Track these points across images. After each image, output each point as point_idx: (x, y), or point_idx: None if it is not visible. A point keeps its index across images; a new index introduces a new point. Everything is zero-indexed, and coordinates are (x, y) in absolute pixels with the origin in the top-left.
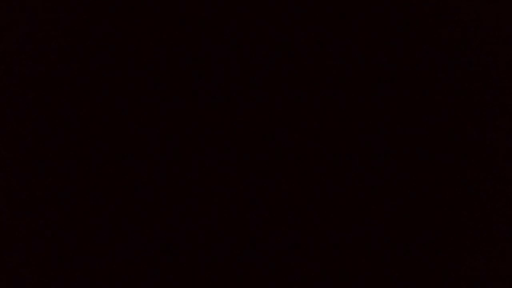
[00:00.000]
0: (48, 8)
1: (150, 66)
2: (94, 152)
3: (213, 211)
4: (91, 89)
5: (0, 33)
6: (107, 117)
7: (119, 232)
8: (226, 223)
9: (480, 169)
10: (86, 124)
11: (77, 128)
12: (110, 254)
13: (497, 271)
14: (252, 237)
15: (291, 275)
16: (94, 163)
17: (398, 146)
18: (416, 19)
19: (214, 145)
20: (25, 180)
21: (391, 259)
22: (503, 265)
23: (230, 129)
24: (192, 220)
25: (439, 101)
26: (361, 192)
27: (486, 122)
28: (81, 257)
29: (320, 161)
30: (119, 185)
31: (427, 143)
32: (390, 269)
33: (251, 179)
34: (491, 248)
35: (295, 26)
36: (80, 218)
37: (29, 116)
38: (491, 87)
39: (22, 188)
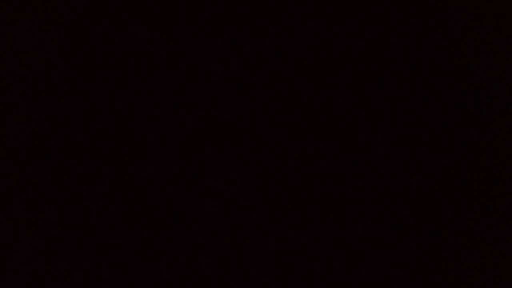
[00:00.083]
0: (48, 8)
1: (150, 66)
2: (94, 152)
3: (212, 211)
4: (91, 89)
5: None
6: (107, 117)
7: (119, 232)
8: (226, 223)
9: (480, 169)
10: (86, 124)
11: (77, 128)
12: (110, 254)
13: (497, 271)
14: (252, 237)
15: (291, 275)
16: (94, 163)
17: (398, 146)
18: (416, 19)
19: (214, 145)
20: (25, 180)
21: (391, 259)
22: (503, 265)
23: (230, 129)
24: (192, 220)
25: (439, 101)
26: (361, 192)
27: (486, 122)
28: (81, 257)
29: (320, 161)
30: (119, 185)
31: (427, 143)
32: (390, 269)
33: (251, 179)
34: (491, 248)
35: (295, 26)
36: (80, 218)
37: (29, 116)
38: (491, 87)
39: (22, 188)
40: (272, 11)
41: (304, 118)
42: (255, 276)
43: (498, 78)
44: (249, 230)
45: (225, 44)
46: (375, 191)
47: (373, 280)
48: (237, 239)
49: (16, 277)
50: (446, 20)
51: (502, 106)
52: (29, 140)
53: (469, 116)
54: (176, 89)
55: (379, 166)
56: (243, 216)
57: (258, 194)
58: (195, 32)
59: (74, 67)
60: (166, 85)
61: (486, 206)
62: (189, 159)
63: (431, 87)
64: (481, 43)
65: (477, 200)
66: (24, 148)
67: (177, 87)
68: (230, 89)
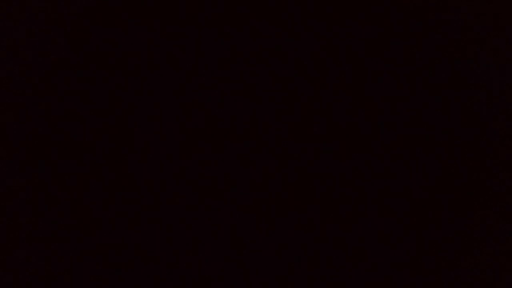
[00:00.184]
0: (48, 8)
1: (150, 66)
2: (93, 152)
3: (212, 211)
4: (90, 89)
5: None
6: (106, 117)
7: (119, 232)
8: (226, 223)
9: (480, 169)
10: (85, 124)
11: (77, 128)
12: (110, 254)
13: (497, 271)
14: (252, 237)
15: (291, 275)
16: (93, 163)
17: (398, 146)
18: (416, 19)
19: (214, 145)
20: (25, 180)
21: (391, 259)
22: (503, 265)
23: (230, 129)
24: (192, 220)
25: (439, 101)
26: (360, 192)
27: (486, 122)
28: (81, 257)
29: (320, 161)
30: (119, 185)
31: (426, 143)
32: (390, 269)
33: (251, 179)
34: (491, 248)
35: (295, 26)
36: (80, 218)
37: (29, 116)
38: (491, 87)
39: (22, 188)
40: (272, 11)
41: (304, 118)
42: (255, 276)
43: (498, 78)
44: (249, 230)
45: (225, 44)
46: (375, 191)
47: (373, 280)
48: (237, 239)
49: (16, 277)
50: (446, 20)
51: (502, 106)
52: (29, 140)
53: (469, 116)
54: (176, 89)
55: (379, 166)
56: (243, 216)
57: (258, 194)
58: (195, 32)
59: (73, 67)
60: (166, 85)
61: (486, 206)
62: (189, 159)
63: (431, 87)
64: (481, 43)
65: (477, 200)
66: (24, 148)
67: (177, 87)
68: (230, 89)
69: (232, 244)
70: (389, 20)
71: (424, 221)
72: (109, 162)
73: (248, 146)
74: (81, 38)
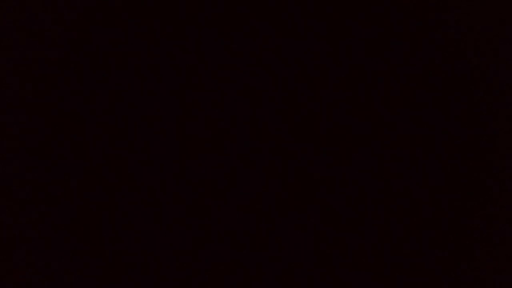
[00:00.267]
0: (48, 8)
1: (150, 66)
2: (94, 152)
3: (212, 211)
4: (90, 89)
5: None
6: (106, 117)
7: (119, 232)
8: (225, 224)
9: (480, 169)
10: (85, 124)
11: (76, 128)
12: (109, 254)
13: (497, 271)
14: (252, 237)
15: (291, 276)
16: (93, 163)
17: (398, 146)
18: (416, 19)
19: (214, 145)
20: (25, 180)
21: (390, 259)
22: (503, 265)
23: (230, 129)
24: (192, 221)
25: (439, 101)
26: (360, 192)
27: (486, 122)
28: (81, 257)
29: (320, 161)
30: (119, 184)
31: (426, 143)
32: (390, 269)
33: (251, 179)
34: (491, 248)
35: (295, 26)
36: (80, 218)
37: (29, 116)
38: (491, 87)
39: (22, 188)
40: (272, 11)
41: (304, 118)
42: (255, 276)
43: (498, 78)
44: (248, 230)
45: (225, 44)
46: (375, 191)
47: (373, 280)
48: (237, 240)
49: (16, 277)
50: (446, 20)
51: (502, 106)
52: (29, 140)
53: (469, 116)
54: (176, 89)
55: (379, 166)
56: (243, 216)
57: (258, 195)
58: (195, 32)
59: (74, 66)
60: (166, 85)
61: (486, 206)
62: (189, 159)
63: (431, 87)
64: (481, 43)
65: (477, 200)
66: (24, 148)
67: (177, 87)
68: (230, 89)
69: (232, 244)
70: (389, 20)
71: (424, 221)
72: (109, 162)
73: (248, 146)
74: (81, 38)
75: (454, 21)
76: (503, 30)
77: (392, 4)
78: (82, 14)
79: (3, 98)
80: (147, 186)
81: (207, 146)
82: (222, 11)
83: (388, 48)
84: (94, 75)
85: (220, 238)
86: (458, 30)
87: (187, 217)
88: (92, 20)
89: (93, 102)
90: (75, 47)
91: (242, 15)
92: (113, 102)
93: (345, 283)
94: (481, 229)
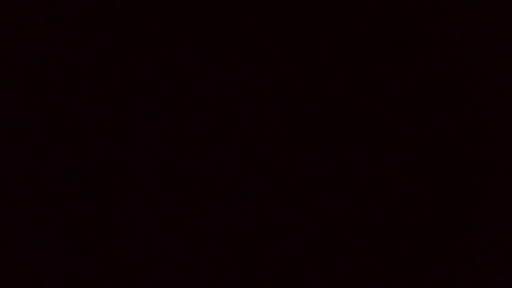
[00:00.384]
0: (48, 8)
1: (150, 66)
2: (93, 152)
3: (212, 211)
4: (90, 89)
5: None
6: (106, 117)
7: (119, 233)
8: (226, 224)
9: (480, 169)
10: (85, 124)
11: (76, 128)
12: (109, 254)
13: (497, 271)
14: (252, 237)
15: (291, 276)
16: (93, 162)
17: (397, 146)
18: (416, 19)
19: (214, 145)
20: (25, 180)
21: (391, 259)
22: (503, 265)
23: (230, 129)
24: (192, 221)
25: (438, 101)
26: (360, 192)
27: (486, 122)
28: (81, 257)
29: (320, 161)
30: (119, 184)
31: (426, 143)
32: (390, 269)
33: (251, 179)
34: (491, 248)
35: (295, 26)
36: (79, 218)
37: (29, 116)
38: (491, 87)
39: (22, 188)
40: (272, 11)
41: (304, 118)
42: (255, 276)
43: (498, 78)
44: (248, 230)
45: (225, 44)
46: (375, 191)
47: (374, 280)
48: (237, 240)
49: (16, 277)
50: (446, 20)
51: (502, 106)
52: (29, 140)
53: (469, 116)
54: (176, 89)
55: (378, 166)
56: (243, 216)
57: (258, 195)
58: (195, 32)
59: (74, 66)
60: (166, 85)
61: (486, 206)
62: (188, 159)
63: (431, 87)
64: (481, 43)
65: (476, 200)
66: (24, 148)
67: (177, 87)
68: (230, 89)
69: (232, 244)
70: (389, 20)
71: (424, 221)
72: (109, 162)
73: (248, 146)
74: (81, 38)
75: (454, 21)
76: (503, 30)
77: (392, 4)
78: (82, 14)
79: (3, 98)
80: (147, 186)
81: (207, 146)
82: (222, 11)
83: (388, 48)
84: (94, 75)
85: (220, 238)
86: (458, 30)
87: (187, 217)
88: (92, 20)
89: (93, 102)
90: (75, 47)
91: (242, 15)
92: (113, 102)
93: (345, 283)
94: (481, 229)
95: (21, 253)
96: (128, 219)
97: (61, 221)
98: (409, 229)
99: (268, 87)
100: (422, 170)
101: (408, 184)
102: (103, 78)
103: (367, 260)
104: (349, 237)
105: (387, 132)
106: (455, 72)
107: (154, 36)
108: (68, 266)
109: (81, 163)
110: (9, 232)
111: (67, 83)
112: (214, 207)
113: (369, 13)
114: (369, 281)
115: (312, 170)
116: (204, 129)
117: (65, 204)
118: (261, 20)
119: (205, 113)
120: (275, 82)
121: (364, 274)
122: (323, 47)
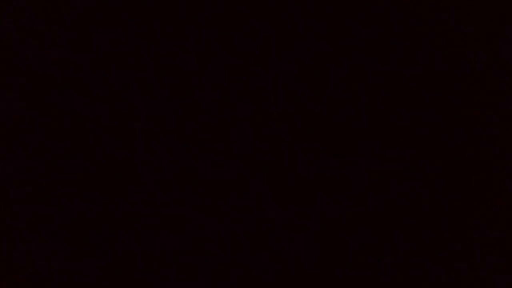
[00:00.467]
0: (48, 8)
1: (150, 66)
2: (93, 151)
3: (212, 212)
4: (90, 88)
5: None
6: (106, 117)
7: (118, 233)
8: (225, 224)
9: (480, 169)
10: (85, 124)
11: (76, 128)
12: (109, 254)
13: (497, 271)
14: (252, 237)
15: (291, 276)
16: (93, 162)
17: (397, 146)
18: (416, 19)
19: (214, 145)
20: (25, 180)
21: (391, 259)
22: (503, 265)
23: (230, 130)
24: (192, 221)
25: (438, 101)
26: (360, 192)
27: (486, 122)
28: (81, 257)
29: (320, 161)
30: (118, 184)
31: (426, 143)
32: (390, 269)
33: (250, 179)
34: (491, 248)
35: (295, 26)
36: (79, 218)
37: (29, 115)
38: (491, 87)
39: (22, 188)
40: (272, 11)
41: (304, 118)
42: (255, 276)
43: (498, 78)
44: (249, 230)
45: (225, 44)
46: (375, 191)
47: (374, 280)
48: (237, 240)
49: (16, 277)
50: (446, 20)
51: (502, 106)
52: (29, 140)
53: (469, 116)
54: (176, 89)
55: (378, 166)
56: (243, 216)
57: (258, 195)
58: (195, 32)
59: (74, 66)
60: (166, 85)
61: (486, 206)
62: (188, 159)
63: (431, 87)
64: (481, 43)
65: (477, 200)
66: (24, 148)
67: (177, 87)
68: (230, 89)
69: (232, 244)
70: (389, 20)
71: (424, 221)
72: (109, 162)
73: (248, 146)
74: (81, 38)
75: (454, 21)
76: (503, 30)
77: (392, 4)
78: (82, 14)
79: (3, 98)
80: (147, 186)
81: (207, 146)
82: (222, 11)
83: (388, 48)
84: (94, 75)
85: (220, 238)
86: (458, 30)
87: (187, 217)
88: (92, 20)
89: (93, 102)
90: (75, 47)
91: (242, 15)
92: (113, 102)
93: (345, 283)
94: (481, 229)
95: (21, 253)
96: (128, 219)
97: (61, 221)
98: (409, 229)
99: (268, 87)
100: (422, 170)
101: (408, 184)
102: (103, 78)
103: (367, 260)
104: (349, 237)
105: (387, 132)
106: (455, 72)
107: (154, 36)
108: (68, 266)
109: (81, 163)
110: (9, 232)
111: (67, 83)
112: (214, 207)
113: (369, 13)
114: (369, 281)
115: (312, 170)
116: (204, 129)
117: (65, 204)
118: (261, 20)
119: (205, 113)
120: (275, 82)
121: (364, 274)
122: (323, 47)
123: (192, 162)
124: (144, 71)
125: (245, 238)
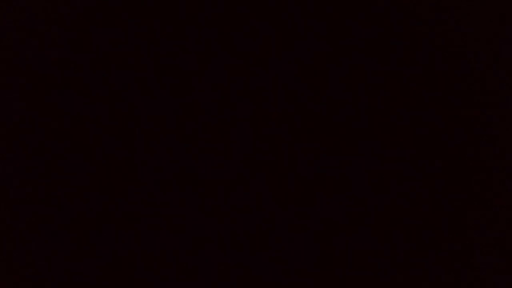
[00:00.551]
0: (48, 8)
1: (150, 66)
2: (93, 151)
3: (212, 212)
4: (90, 88)
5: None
6: (106, 116)
7: (118, 232)
8: (225, 224)
9: (480, 169)
10: (85, 124)
11: (76, 128)
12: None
13: (497, 271)
14: (252, 237)
15: (291, 276)
16: (93, 162)
17: (397, 146)
18: (416, 19)
19: (213, 145)
20: (25, 180)
21: (391, 259)
22: (503, 265)
23: (229, 130)
24: (191, 221)
25: (438, 101)
26: (360, 192)
27: (486, 122)
28: (80, 257)
29: (319, 161)
30: (118, 184)
31: (426, 144)
32: (390, 269)
33: (251, 179)
34: (491, 248)
35: (295, 26)
36: (79, 218)
37: (29, 115)
38: (491, 87)
39: (22, 188)
40: (272, 11)
41: (304, 118)
42: (255, 276)
43: (498, 78)
44: (249, 230)
45: (225, 44)
46: (375, 191)
47: (374, 280)
48: (237, 240)
49: (16, 277)
50: (446, 20)
51: (502, 106)
52: (29, 140)
53: (469, 116)
54: (176, 89)
55: (378, 166)
56: (243, 216)
57: (258, 195)
58: (195, 32)
59: (74, 66)
60: (166, 85)
61: (486, 206)
62: (188, 159)
63: (431, 87)
64: (481, 43)
65: (476, 200)
66: (24, 148)
67: (177, 87)
68: (230, 89)
69: (232, 244)
70: (389, 20)
71: (424, 221)
72: (109, 162)
73: (248, 146)
74: (81, 38)
75: (454, 21)
76: (503, 30)
77: (392, 4)
78: (82, 14)
79: (3, 98)
80: (147, 186)
81: (207, 146)
82: (222, 11)
83: (388, 48)
84: (94, 75)
85: (220, 238)
86: (458, 30)
87: (187, 217)
88: (92, 20)
89: (93, 102)
90: (75, 47)
91: (242, 15)
92: (113, 102)
93: (345, 283)
94: (481, 229)
95: (21, 253)
96: (128, 219)
97: (61, 221)
98: (409, 229)
99: (268, 87)
100: (422, 170)
101: (408, 184)
102: (103, 78)
103: (367, 260)
104: (349, 237)
105: (387, 132)
106: (455, 72)
107: (154, 36)
108: (68, 266)
109: (81, 163)
110: (9, 232)
111: (67, 83)
112: (214, 207)
113: (369, 13)
114: (369, 281)
115: (312, 170)
116: (204, 129)
117: (65, 204)
118: (261, 20)
119: (205, 113)
120: (275, 82)
121: (364, 274)
122: (323, 47)
123: (192, 162)
124: (144, 71)
125: (245, 238)
